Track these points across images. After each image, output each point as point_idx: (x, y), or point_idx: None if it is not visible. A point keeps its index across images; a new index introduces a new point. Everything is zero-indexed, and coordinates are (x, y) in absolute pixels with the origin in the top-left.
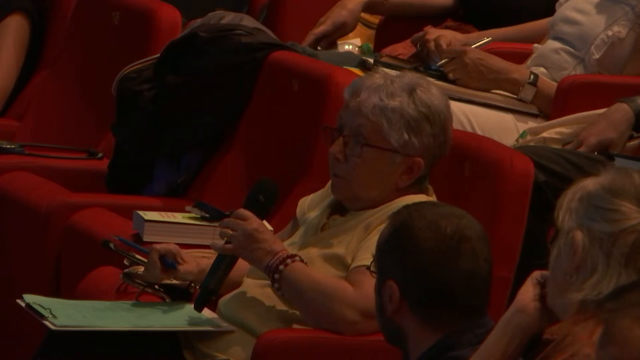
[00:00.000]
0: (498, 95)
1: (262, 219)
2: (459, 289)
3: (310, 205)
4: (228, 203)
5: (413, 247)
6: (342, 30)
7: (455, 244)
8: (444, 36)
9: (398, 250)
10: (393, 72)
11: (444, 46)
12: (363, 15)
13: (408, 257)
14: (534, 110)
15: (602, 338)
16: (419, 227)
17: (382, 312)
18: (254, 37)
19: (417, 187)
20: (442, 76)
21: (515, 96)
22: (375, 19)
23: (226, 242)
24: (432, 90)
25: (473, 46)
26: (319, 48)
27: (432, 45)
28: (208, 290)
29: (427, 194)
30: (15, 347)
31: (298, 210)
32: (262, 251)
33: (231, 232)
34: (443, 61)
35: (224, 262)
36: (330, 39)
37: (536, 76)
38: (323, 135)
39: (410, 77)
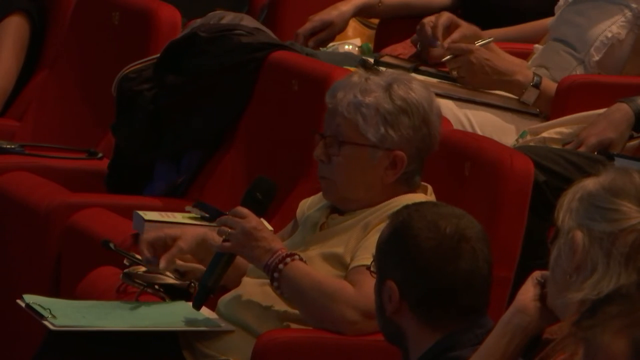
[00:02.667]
0: (498, 95)
1: (260, 217)
2: (459, 289)
3: (311, 206)
4: (228, 203)
5: (413, 247)
6: (330, 29)
7: (455, 244)
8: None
9: (398, 250)
10: (381, 69)
11: (441, 29)
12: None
13: (408, 258)
14: (534, 110)
15: (584, 358)
16: (419, 228)
17: (382, 311)
18: (254, 37)
19: (407, 183)
20: (444, 76)
21: (517, 97)
22: (375, 19)
23: (224, 240)
24: (411, 85)
25: (477, 44)
26: (309, 45)
27: (428, 28)
28: (206, 288)
29: (426, 194)
30: (15, 347)
31: (298, 212)
32: (261, 249)
33: (229, 230)
34: (447, 57)
35: (222, 260)
36: (318, 38)
37: (540, 78)
38: (315, 140)
39: (389, 74)
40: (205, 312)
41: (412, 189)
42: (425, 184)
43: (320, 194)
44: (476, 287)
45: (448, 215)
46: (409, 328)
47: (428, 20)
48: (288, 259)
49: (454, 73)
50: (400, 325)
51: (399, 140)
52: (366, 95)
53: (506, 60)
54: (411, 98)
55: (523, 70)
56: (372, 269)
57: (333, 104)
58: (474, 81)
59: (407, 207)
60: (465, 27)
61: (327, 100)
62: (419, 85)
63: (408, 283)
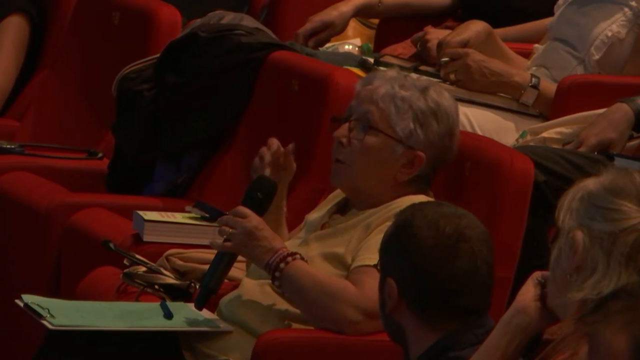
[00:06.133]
0: (498, 95)
1: (260, 216)
2: (456, 289)
3: (314, 212)
4: (228, 203)
5: (412, 245)
6: (331, 30)
7: (453, 244)
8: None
9: (398, 248)
10: (415, 76)
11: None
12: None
13: (407, 256)
14: (534, 112)
15: (589, 353)
16: (419, 226)
17: (383, 309)
18: (254, 37)
19: (415, 187)
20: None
21: (516, 99)
22: (375, 19)
23: (225, 240)
24: (444, 93)
25: None
26: (309, 45)
27: (432, 45)
28: (208, 288)
29: (427, 197)
30: (15, 347)
31: (303, 224)
32: (262, 249)
33: (230, 230)
34: (444, 59)
35: (224, 260)
36: (318, 38)
37: (538, 79)
38: (330, 126)
39: (425, 79)
40: (204, 312)
41: (417, 193)
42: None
43: (322, 203)
44: (474, 288)
45: (449, 215)
46: (408, 326)
47: (431, 38)
48: (289, 258)
49: (452, 76)
50: (400, 323)
51: (424, 141)
52: (403, 90)
53: (502, 63)
54: (443, 105)
55: (520, 72)
56: (378, 267)
57: (367, 90)
58: (472, 84)
59: (412, 205)
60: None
61: (359, 87)
62: (449, 96)
63: (406, 281)
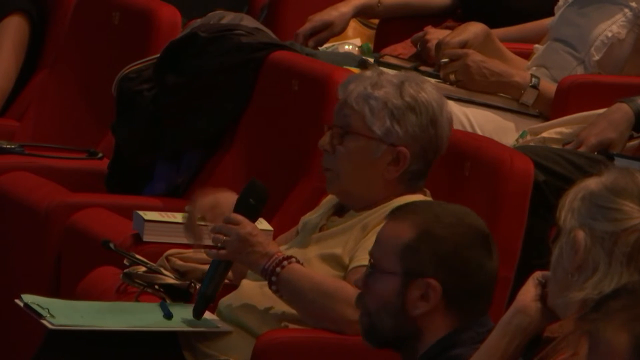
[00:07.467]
0: (498, 95)
1: (253, 222)
2: (489, 287)
3: (312, 214)
4: None
5: (452, 245)
6: (330, 30)
7: (486, 240)
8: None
9: (436, 248)
10: (392, 72)
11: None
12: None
13: (450, 255)
14: (534, 112)
15: (589, 352)
16: (450, 224)
17: (402, 312)
18: (254, 37)
19: (409, 184)
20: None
21: (516, 99)
22: (375, 19)
23: (220, 248)
24: (423, 85)
25: None
26: (309, 45)
27: (432, 45)
28: (205, 297)
29: (425, 196)
30: (15, 347)
31: (299, 225)
32: (257, 254)
33: (224, 237)
34: (444, 60)
35: (220, 267)
36: (318, 38)
37: (538, 79)
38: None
39: (404, 74)
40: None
41: (413, 191)
42: (424, 188)
43: (320, 204)
44: (495, 283)
45: (463, 212)
46: (432, 326)
47: (431, 38)
48: (285, 262)
49: (452, 77)
50: (420, 325)
51: (404, 136)
52: (376, 89)
53: (502, 63)
54: (421, 97)
55: (520, 72)
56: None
57: (343, 95)
58: (472, 84)
59: (414, 204)
60: (473, 38)
61: (339, 92)
62: (431, 87)
63: (450, 281)
